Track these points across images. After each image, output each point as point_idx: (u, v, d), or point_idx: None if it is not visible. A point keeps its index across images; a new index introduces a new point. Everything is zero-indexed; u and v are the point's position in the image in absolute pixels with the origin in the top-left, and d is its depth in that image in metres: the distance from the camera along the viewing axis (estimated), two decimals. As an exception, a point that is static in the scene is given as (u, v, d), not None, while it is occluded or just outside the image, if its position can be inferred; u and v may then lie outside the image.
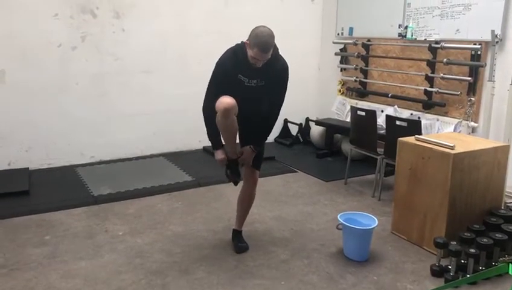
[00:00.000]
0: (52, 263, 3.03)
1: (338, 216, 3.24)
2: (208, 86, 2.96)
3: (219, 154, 3.02)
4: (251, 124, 3.01)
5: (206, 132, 2.99)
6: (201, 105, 2.96)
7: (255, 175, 3.22)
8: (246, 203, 3.31)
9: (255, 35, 2.75)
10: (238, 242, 3.28)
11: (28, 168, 4.75)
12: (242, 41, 2.88)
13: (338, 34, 5.99)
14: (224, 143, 3.02)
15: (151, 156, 5.39)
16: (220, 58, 2.94)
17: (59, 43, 4.80)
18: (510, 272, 1.59)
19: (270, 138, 6.23)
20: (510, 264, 1.60)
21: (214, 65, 2.94)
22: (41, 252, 3.17)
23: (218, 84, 2.90)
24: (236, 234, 3.33)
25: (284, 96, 3.07)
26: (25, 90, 4.69)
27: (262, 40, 2.72)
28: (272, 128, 3.13)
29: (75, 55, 4.90)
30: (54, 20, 4.72)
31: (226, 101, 2.73)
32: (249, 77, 2.91)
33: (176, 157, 5.36)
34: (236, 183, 3.24)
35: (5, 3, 4.49)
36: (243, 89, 2.90)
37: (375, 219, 3.23)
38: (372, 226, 3.16)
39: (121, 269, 2.98)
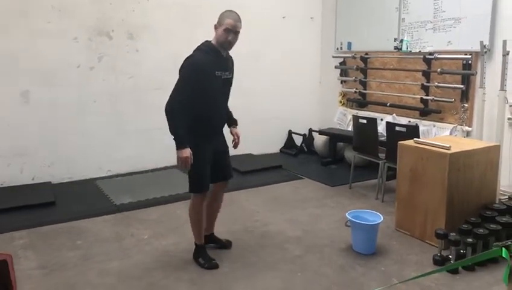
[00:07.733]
0: (86, 263, 3.31)
1: (346, 214, 3.53)
2: (180, 85, 2.95)
3: (186, 152, 2.93)
4: (222, 114, 3.22)
5: (172, 129, 2.95)
6: None
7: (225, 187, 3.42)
8: (217, 204, 3.45)
9: (223, 13, 3.01)
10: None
11: (51, 182, 5.04)
12: (205, 41, 3.08)
13: (337, 49, 6.35)
14: (196, 235, 3.29)
15: (165, 168, 5.68)
16: (192, 60, 2.95)
17: (78, 64, 5.13)
18: (503, 255, 1.76)
19: (276, 149, 6.62)
20: (503, 248, 1.76)
21: (185, 66, 2.97)
22: (75, 254, 3.45)
23: (194, 84, 2.92)
24: (214, 238, 3.51)
25: None
26: (47, 109, 5.01)
27: (232, 12, 3.01)
28: None
29: (93, 75, 5.23)
30: (73, 43, 5.07)
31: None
32: (224, 70, 3.06)
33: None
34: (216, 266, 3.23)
35: (30, 29, 4.83)
36: (221, 85, 3.07)
37: (381, 215, 3.52)
38: (378, 221, 3.45)
39: (150, 266, 3.26)
